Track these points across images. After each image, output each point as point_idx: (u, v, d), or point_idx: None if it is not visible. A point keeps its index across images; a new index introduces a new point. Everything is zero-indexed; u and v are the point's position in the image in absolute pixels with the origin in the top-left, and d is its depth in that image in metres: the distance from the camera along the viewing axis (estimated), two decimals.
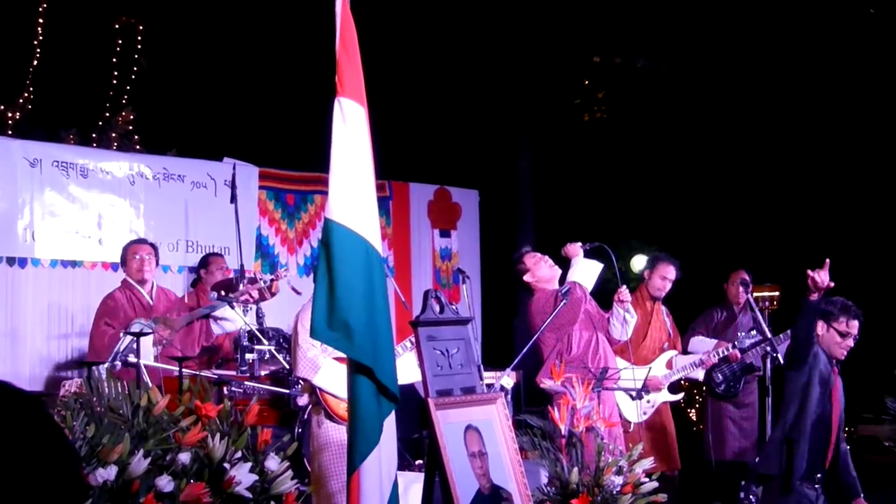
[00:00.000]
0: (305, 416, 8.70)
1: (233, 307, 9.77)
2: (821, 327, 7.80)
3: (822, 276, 7.50)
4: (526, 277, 9.14)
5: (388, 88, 12.10)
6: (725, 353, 10.33)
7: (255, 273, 10.95)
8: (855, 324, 7.85)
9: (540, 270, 9.11)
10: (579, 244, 9.16)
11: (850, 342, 7.86)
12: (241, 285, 9.90)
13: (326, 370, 7.51)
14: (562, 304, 8.48)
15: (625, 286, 9.39)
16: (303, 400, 8.84)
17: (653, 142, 15.16)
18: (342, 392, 7.28)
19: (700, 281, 11.31)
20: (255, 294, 9.98)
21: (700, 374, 10.50)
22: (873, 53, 13.25)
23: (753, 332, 10.27)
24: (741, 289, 10.88)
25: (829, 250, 13.03)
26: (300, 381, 8.44)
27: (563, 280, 9.07)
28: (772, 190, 14.31)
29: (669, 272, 10.47)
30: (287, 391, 9.45)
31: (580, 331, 9.01)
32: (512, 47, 14.40)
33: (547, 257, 9.22)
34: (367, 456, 5.14)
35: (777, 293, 12.96)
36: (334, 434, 7.59)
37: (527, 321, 9.12)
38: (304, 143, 11.71)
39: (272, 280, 10.11)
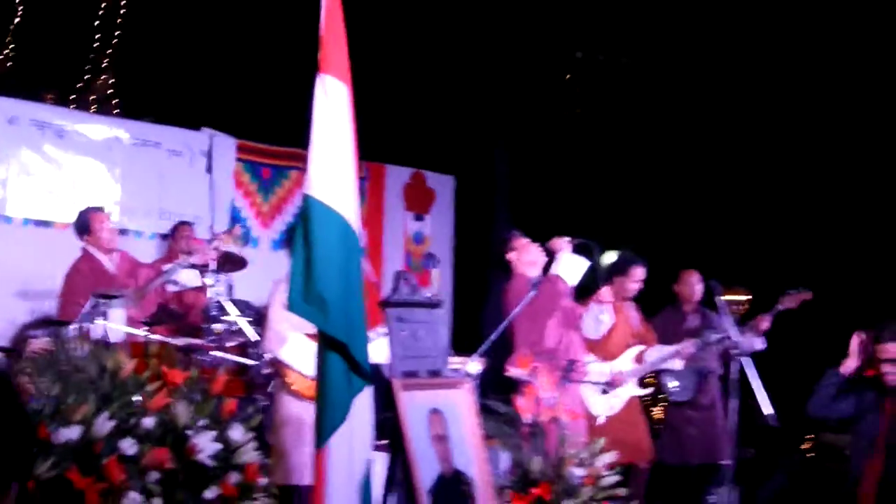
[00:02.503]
0: (270, 389, 8.71)
1: (192, 267, 9.83)
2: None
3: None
4: (510, 255, 9.08)
5: (370, 70, 12.05)
6: (700, 344, 10.27)
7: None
8: (892, 349, 7.48)
9: (528, 254, 9.02)
10: (567, 239, 9.10)
11: (890, 368, 7.49)
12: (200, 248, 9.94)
13: (293, 344, 7.53)
14: (530, 294, 8.45)
15: (607, 286, 9.39)
16: (268, 371, 8.87)
17: (631, 139, 15.18)
18: (305, 367, 7.33)
19: (670, 283, 11.29)
20: (213, 254, 9.97)
21: (678, 365, 10.43)
22: (856, 60, 13.30)
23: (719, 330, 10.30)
24: (697, 289, 10.91)
25: (801, 258, 13.19)
26: (266, 354, 8.45)
27: (545, 272, 9.05)
28: (749, 194, 14.35)
29: (642, 274, 10.43)
30: (254, 363, 9.44)
31: (554, 326, 8.98)
32: (495, 37, 14.39)
33: (537, 245, 9.17)
34: (333, 433, 5.14)
35: (747, 297, 13.01)
36: (293, 409, 7.65)
37: (500, 305, 9.05)
38: (285, 118, 11.70)
39: (224, 234, 10.11)
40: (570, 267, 8.96)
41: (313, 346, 5.42)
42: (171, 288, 10.20)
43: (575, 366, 8.67)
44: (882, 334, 7.49)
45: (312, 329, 5.63)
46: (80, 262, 9.85)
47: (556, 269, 8.94)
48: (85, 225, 9.92)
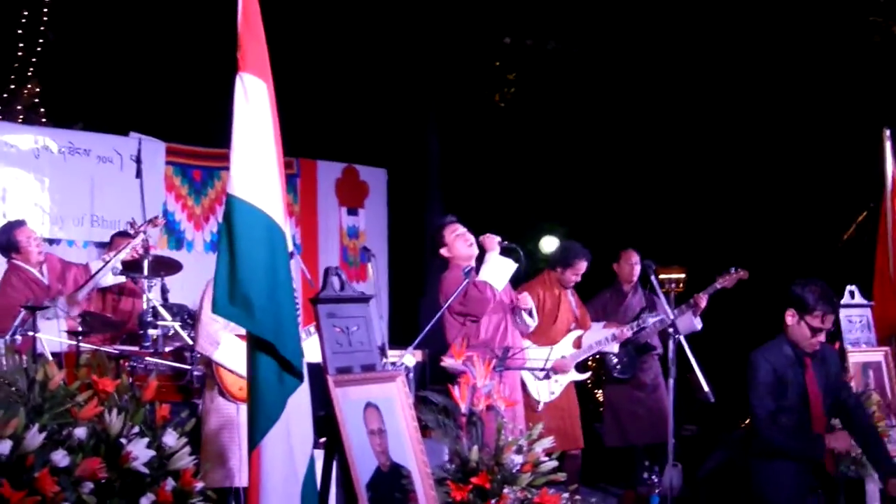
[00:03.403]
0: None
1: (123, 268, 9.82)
2: (791, 317, 7.17)
3: None
4: (442, 252, 9.02)
5: (298, 66, 12.06)
6: (636, 328, 10.31)
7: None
8: (831, 318, 7.15)
9: (458, 248, 8.90)
10: (497, 239, 8.96)
11: (822, 338, 7.17)
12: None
13: (226, 346, 7.51)
14: (465, 282, 8.43)
15: (525, 293, 9.37)
16: (201, 374, 8.82)
17: (562, 124, 15.21)
18: (241, 369, 7.28)
19: (607, 264, 11.32)
20: (141, 251, 9.92)
21: (615, 348, 10.45)
22: (787, 40, 13.39)
23: (656, 313, 10.33)
24: (637, 268, 10.95)
25: (735, 235, 13.27)
26: (199, 356, 8.42)
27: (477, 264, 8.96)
28: (684, 173, 14.40)
29: (584, 266, 10.42)
30: (189, 367, 9.39)
31: (490, 315, 8.91)
32: (422, 26, 14.38)
33: (468, 234, 9.04)
34: (266, 432, 5.12)
35: (683, 275, 13.07)
36: (226, 410, 7.65)
37: (436, 296, 9.00)
38: (212, 119, 11.59)
39: (146, 224, 10.07)
40: (498, 271, 8.84)
41: (244, 346, 5.39)
42: (103, 284, 10.12)
43: (511, 353, 8.67)
44: (818, 306, 7.19)
45: (243, 330, 5.61)
46: (10, 274, 9.76)
47: (483, 273, 8.81)
48: (12, 243, 9.82)
